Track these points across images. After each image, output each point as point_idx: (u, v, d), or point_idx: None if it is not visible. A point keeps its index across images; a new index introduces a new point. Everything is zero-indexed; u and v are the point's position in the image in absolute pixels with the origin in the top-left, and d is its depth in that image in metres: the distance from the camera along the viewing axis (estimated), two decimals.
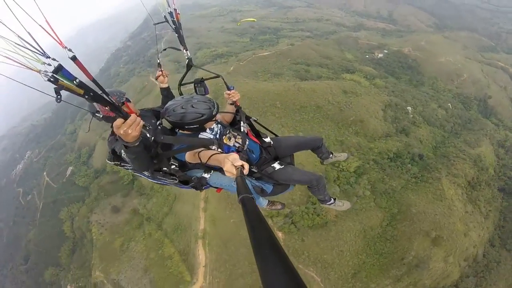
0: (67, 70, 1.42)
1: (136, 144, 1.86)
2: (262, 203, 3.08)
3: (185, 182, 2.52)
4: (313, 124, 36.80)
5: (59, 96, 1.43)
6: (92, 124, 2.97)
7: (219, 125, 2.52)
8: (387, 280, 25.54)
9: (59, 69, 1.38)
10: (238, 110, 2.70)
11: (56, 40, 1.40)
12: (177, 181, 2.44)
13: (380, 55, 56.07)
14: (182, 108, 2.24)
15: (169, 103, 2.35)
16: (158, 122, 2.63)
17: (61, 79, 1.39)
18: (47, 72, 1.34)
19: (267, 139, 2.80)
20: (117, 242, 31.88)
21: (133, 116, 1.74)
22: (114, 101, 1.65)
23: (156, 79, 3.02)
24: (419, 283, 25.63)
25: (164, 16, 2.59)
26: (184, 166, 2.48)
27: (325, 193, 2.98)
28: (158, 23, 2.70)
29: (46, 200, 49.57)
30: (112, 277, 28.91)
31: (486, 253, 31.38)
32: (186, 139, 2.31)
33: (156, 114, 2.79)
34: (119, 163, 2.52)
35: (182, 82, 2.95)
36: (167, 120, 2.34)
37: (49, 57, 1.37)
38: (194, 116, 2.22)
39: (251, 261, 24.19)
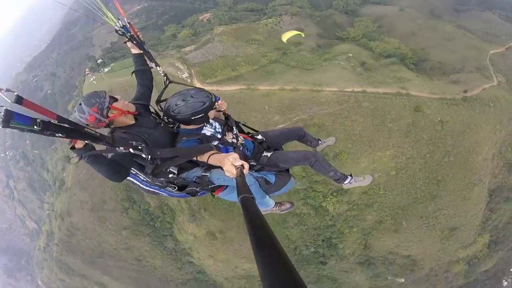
0: (19, 114, 1.08)
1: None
2: (270, 203, 2.93)
3: (181, 188, 2.51)
4: None
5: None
6: None
7: (216, 122, 2.70)
8: None
9: (10, 117, 1.04)
10: (228, 117, 2.89)
11: None
12: (176, 189, 2.44)
13: None
14: (183, 101, 2.35)
15: (170, 101, 2.41)
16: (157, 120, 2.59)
17: (17, 127, 1.10)
18: None
19: (259, 136, 3.06)
20: None
21: None
22: (89, 129, 1.50)
23: (125, 43, 2.68)
24: None
25: (119, 31, 2.53)
26: (181, 168, 2.46)
27: (331, 168, 2.92)
28: (125, 40, 2.62)
29: None
30: None
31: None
32: (183, 150, 2.30)
33: (146, 107, 2.63)
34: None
35: (161, 99, 2.77)
36: (174, 119, 2.45)
37: None
38: (198, 105, 2.35)
39: None
